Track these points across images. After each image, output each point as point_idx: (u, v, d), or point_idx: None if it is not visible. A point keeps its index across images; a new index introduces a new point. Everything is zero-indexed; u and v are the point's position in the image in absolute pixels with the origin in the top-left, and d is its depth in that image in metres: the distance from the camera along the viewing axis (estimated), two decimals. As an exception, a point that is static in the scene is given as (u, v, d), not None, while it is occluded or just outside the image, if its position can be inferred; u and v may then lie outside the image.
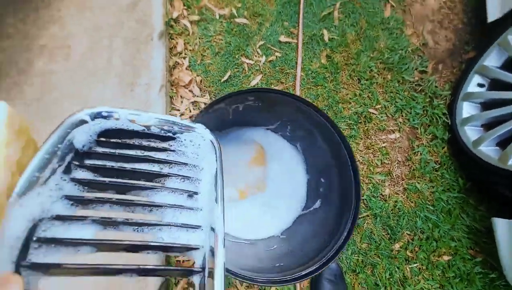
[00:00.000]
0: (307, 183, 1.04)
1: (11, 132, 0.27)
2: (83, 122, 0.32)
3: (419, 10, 1.39)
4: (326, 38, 1.30)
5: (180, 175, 0.35)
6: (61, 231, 0.28)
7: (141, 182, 0.34)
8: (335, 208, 0.83)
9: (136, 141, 0.36)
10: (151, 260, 0.54)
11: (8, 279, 0.23)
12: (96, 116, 0.33)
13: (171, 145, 0.37)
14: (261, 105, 0.85)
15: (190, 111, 1.18)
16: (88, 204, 0.31)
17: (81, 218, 0.29)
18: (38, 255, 0.26)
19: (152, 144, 0.36)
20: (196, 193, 0.35)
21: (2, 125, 0.26)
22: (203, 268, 0.30)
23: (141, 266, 0.28)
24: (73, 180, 0.31)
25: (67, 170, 0.31)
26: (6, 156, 0.25)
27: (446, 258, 1.10)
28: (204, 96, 1.21)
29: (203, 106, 1.18)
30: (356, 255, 1.08)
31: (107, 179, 0.32)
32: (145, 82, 1.12)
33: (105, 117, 0.33)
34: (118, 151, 0.34)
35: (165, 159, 0.36)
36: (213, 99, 1.20)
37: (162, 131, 0.36)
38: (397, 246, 1.11)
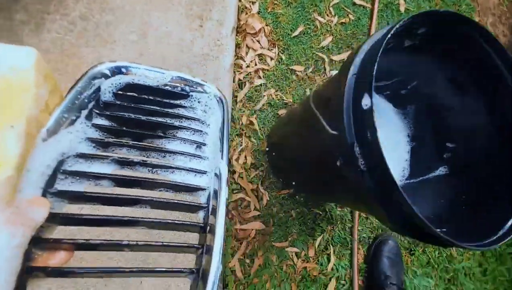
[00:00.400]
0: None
1: (39, 75, 0.29)
2: (104, 75, 0.36)
3: (483, 1, 1.50)
4: (402, 8, 1.31)
5: (190, 128, 0.39)
6: (84, 167, 0.32)
7: (155, 133, 0.38)
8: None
9: (151, 97, 0.39)
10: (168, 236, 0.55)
11: (38, 201, 0.26)
12: (115, 70, 0.37)
13: (182, 102, 0.41)
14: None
15: (256, 64, 1.12)
16: (108, 147, 0.34)
17: (102, 157, 0.33)
18: (63, 185, 0.30)
19: (166, 100, 0.40)
20: (204, 144, 0.39)
21: (32, 68, 0.28)
22: (208, 205, 0.35)
23: (154, 199, 0.32)
24: (94, 125, 0.34)
25: (89, 117, 0.34)
26: (36, 93, 0.28)
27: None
28: (271, 49, 1.14)
29: (269, 60, 1.13)
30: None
31: (124, 127, 0.36)
32: (217, 18, 1.00)
33: (124, 73, 0.37)
34: (134, 104, 0.38)
35: (177, 114, 0.39)
36: (281, 54, 1.16)
37: (176, 89, 0.40)
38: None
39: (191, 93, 0.41)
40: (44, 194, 0.28)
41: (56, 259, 0.26)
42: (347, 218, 1.08)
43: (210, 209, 0.35)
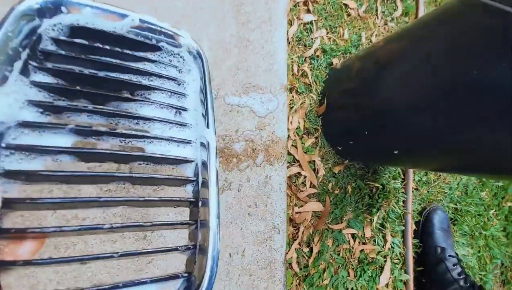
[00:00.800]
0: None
1: None
2: (38, 13, 0.27)
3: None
4: None
5: (165, 89, 0.33)
6: (33, 139, 0.26)
7: (121, 94, 0.31)
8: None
9: (107, 46, 0.30)
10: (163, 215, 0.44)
11: None
12: (52, 7, 0.28)
13: (150, 56, 0.34)
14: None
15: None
16: (60, 113, 0.28)
17: (54, 126, 0.27)
18: (11, 163, 0.25)
19: (127, 52, 0.32)
20: (184, 109, 0.34)
21: None
22: (197, 177, 0.32)
23: (134, 175, 0.28)
24: (35, 84, 0.27)
25: (25, 72, 0.27)
26: None
27: (509, 204, 1.18)
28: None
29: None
30: (453, 204, 1.06)
31: (77, 86, 0.29)
32: None
33: (64, 12, 0.28)
34: (85, 56, 0.30)
35: (145, 70, 0.32)
36: None
37: (140, 37, 0.32)
38: (483, 194, 1.11)
39: (161, 44, 0.34)
40: None
41: (26, 248, 0.23)
42: (401, 190, 0.94)
43: (200, 182, 0.32)
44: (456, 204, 1.06)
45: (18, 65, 0.26)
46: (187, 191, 0.32)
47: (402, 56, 0.61)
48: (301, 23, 0.82)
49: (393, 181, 0.93)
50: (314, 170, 0.80)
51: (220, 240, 0.33)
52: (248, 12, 0.61)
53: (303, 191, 0.78)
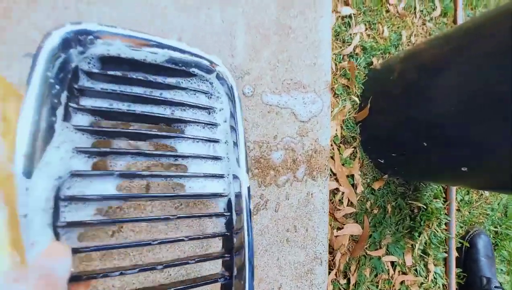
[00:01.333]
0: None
1: None
2: (67, 45, 0.26)
3: None
4: None
5: (199, 121, 0.34)
6: (85, 187, 0.28)
7: (160, 132, 0.32)
8: None
9: (140, 75, 0.31)
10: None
11: (55, 251, 0.22)
12: (83, 39, 0.27)
13: (181, 82, 0.34)
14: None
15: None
16: (106, 155, 0.30)
17: (103, 173, 0.29)
18: (71, 213, 0.26)
19: (160, 81, 0.32)
20: (216, 141, 0.35)
21: None
22: (230, 211, 0.34)
23: (179, 215, 0.31)
24: (77, 128, 0.28)
25: (67, 116, 0.27)
26: None
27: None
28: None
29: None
30: (493, 227, 0.95)
31: (118, 128, 0.31)
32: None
33: (90, 42, 0.27)
34: (119, 88, 0.30)
35: (179, 101, 0.33)
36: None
37: (171, 64, 0.32)
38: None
39: (192, 70, 0.33)
40: (55, 231, 0.24)
41: None
42: (443, 211, 0.82)
43: (234, 214, 0.34)
44: (496, 227, 0.95)
45: (60, 112, 0.26)
46: (219, 223, 0.35)
47: (459, 62, 0.50)
48: (339, 16, 0.71)
49: (434, 200, 0.81)
50: (352, 185, 0.68)
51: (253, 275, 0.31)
52: (290, -7, 0.51)
53: (340, 210, 0.66)
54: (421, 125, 0.58)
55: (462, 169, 0.53)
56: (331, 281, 0.63)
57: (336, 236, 0.64)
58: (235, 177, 0.34)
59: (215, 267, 0.44)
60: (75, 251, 0.24)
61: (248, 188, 0.33)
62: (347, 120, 0.69)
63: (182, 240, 0.30)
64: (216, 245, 0.44)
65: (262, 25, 0.48)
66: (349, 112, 0.69)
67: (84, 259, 0.37)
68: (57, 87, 0.25)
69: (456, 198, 0.86)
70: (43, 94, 0.24)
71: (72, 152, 0.27)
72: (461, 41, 0.53)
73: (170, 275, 0.43)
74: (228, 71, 0.35)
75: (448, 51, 0.54)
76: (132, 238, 0.39)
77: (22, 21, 0.35)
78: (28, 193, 0.22)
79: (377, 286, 0.70)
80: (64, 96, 0.26)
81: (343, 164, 0.66)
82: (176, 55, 0.31)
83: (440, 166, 0.59)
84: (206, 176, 0.33)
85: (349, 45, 0.71)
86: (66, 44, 0.26)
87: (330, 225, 0.64)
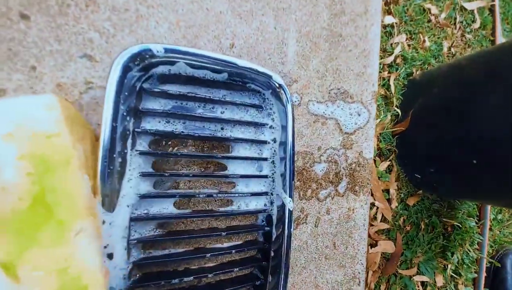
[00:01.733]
0: None
1: (70, 129, 0.21)
2: (126, 72, 0.26)
3: None
4: None
5: (247, 139, 0.35)
6: (148, 206, 0.31)
7: (213, 153, 0.35)
8: None
9: (200, 94, 0.32)
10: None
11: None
12: (143, 62, 0.27)
13: (236, 98, 0.35)
14: None
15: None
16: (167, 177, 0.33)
17: (165, 195, 0.31)
18: (139, 230, 0.30)
19: (217, 98, 0.33)
20: (264, 159, 0.36)
21: (60, 123, 0.21)
22: (270, 226, 0.37)
23: (229, 232, 0.35)
24: (142, 154, 0.29)
25: (133, 144, 0.29)
26: (77, 158, 0.22)
27: None
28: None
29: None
30: None
31: (179, 153, 0.32)
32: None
33: (156, 64, 0.28)
34: (181, 109, 0.32)
35: (231, 119, 0.34)
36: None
37: (229, 79, 0.33)
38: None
39: (248, 85, 0.35)
40: (128, 243, 0.28)
41: None
42: (476, 230, 0.79)
43: (274, 228, 0.36)
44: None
45: (129, 141, 0.28)
46: (258, 235, 0.38)
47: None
48: (382, 25, 0.69)
49: (468, 218, 0.78)
50: (387, 200, 0.65)
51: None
52: (342, 1, 0.49)
53: (373, 225, 0.63)
54: (470, 143, 0.55)
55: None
56: (362, 300, 0.60)
57: (370, 253, 0.61)
58: (278, 196, 0.36)
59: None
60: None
61: (290, 212, 0.35)
62: (385, 132, 0.66)
63: (230, 252, 0.35)
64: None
65: (313, 32, 0.47)
66: (388, 124, 0.66)
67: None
68: (128, 118, 0.26)
69: (489, 217, 0.83)
70: (119, 134, 0.26)
71: (139, 177, 0.29)
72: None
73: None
74: (288, 90, 0.36)
75: (498, 68, 0.52)
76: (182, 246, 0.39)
77: (79, 20, 0.34)
78: (111, 226, 0.25)
79: (406, 307, 0.67)
80: (131, 123, 0.27)
81: (379, 178, 0.64)
82: (236, 71, 0.32)
83: (491, 185, 0.56)
84: (253, 194, 0.36)
85: (390, 54, 0.68)
86: (129, 68, 0.27)
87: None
